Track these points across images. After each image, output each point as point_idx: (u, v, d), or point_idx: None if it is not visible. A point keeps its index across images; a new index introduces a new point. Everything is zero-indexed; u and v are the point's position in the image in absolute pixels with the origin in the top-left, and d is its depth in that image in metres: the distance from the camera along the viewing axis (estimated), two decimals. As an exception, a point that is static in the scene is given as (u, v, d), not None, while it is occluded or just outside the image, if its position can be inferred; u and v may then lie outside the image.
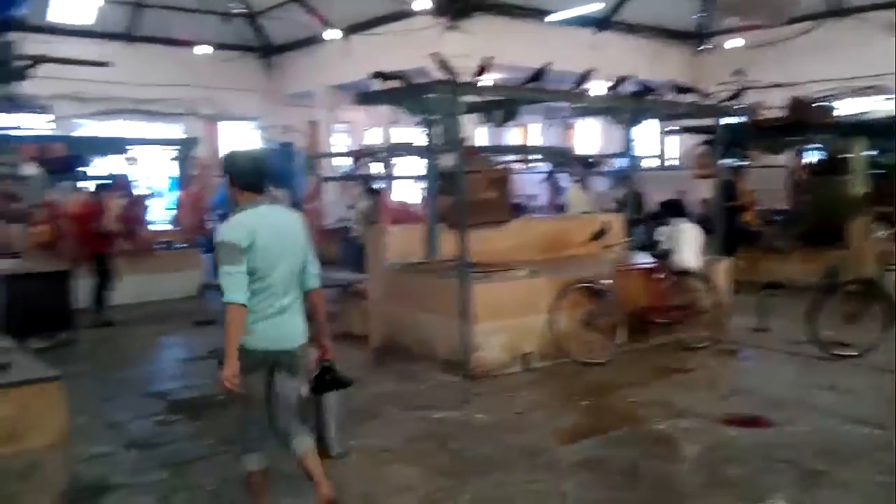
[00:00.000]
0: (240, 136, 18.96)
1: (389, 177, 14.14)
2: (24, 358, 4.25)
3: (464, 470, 4.59)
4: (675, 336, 7.50)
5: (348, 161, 16.42)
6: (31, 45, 8.93)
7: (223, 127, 18.55)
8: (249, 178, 3.68)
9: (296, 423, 3.79)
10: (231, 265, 3.48)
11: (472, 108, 7.88)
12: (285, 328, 3.66)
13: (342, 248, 12.53)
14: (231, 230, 3.56)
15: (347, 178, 15.55)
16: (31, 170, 10.53)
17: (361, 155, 15.48)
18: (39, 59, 5.20)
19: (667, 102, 9.20)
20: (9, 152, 10.01)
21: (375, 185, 11.79)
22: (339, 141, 19.27)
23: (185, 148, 12.77)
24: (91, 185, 11.44)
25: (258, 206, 3.64)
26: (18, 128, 10.30)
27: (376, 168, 14.45)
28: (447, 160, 7.91)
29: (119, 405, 6.01)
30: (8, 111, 9.49)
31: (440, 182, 7.93)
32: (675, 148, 18.30)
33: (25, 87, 9.76)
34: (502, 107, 8.33)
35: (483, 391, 6.24)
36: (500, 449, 4.92)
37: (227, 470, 4.48)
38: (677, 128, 13.86)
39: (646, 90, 8.57)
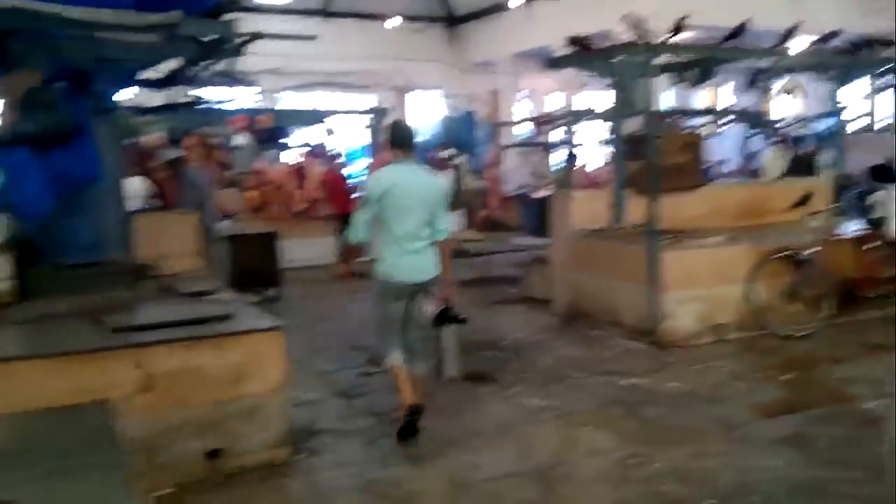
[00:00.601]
0: (426, 106, 19.48)
1: (571, 143, 13.98)
2: (247, 309, 4.69)
3: (657, 438, 4.53)
4: (886, 311, 6.89)
5: (529, 128, 16.40)
6: (240, 23, 9.68)
7: (411, 97, 19.15)
8: (398, 141, 4.65)
9: (419, 350, 4.75)
10: (361, 210, 4.58)
11: (664, 69, 7.58)
12: (417, 265, 4.57)
13: (523, 214, 12.62)
14: (370, 183, 4.73)
15: (528, 145, 15.57)
16: (241, 140, 11.47)
17: (543, 121, 15.41)
18: (255, 36, 5.61)
19: (884, 59, 8.34)
20: (223, 123, 10.96)
21: (572, 151, 11.61)
22: (521, 108, 19.27)
23: (377, 118, 13.33)
24: (293, 154, 12.33)
25: (401, 165, 4.59)
26: (231, 101, 11.23)
27: (558, 135, 14.32)
28: (634, 124, 7.70)
29: (324, 357, 6.47)
30: (224, 85, 10.36)
31: (628, 146, 7.74)
32: (887, 108, 16.57)
33: (236, 63, 10.46)
34: (697, 67, 7.94)
35: (673, 360, 6.09)
36: (695, 419, 4.80)
37: (424, 424, 4.72)
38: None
39: (858, 45, 7.83)
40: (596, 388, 5.50)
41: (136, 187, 7.37)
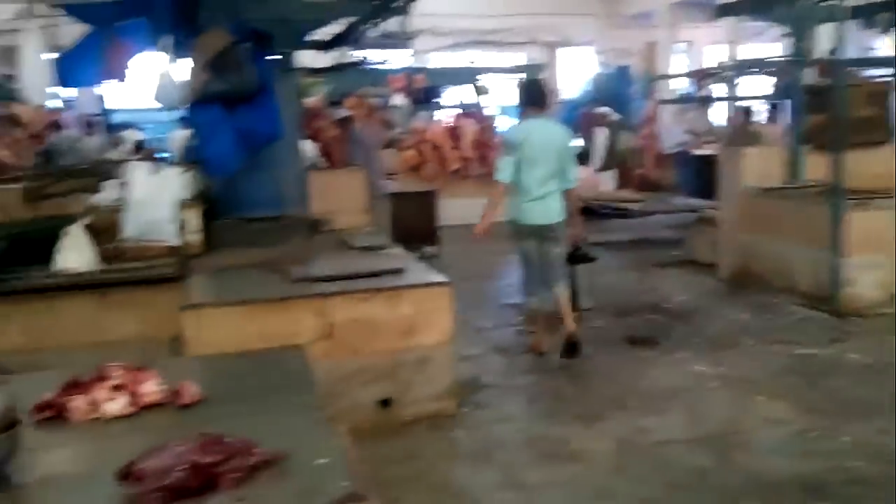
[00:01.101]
0: (578, 62, 19.02)
1: (733, 97, 13.18)
2: (416, 264, 4.80)
3: (840, 411, 4.25)
4: None
5: (687, 83, 15.61)
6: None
7: (563, 53, 18.75)
8: (530, 99, 5.30)
9: (557, 277, 5.32)
10: (506, 155, 5.19)
11: (855, 13, 6.94)
12: (546, 209, 5.16)
13: (680, 174, 12.09)
14: (510, 132, 5.49)
15: (687, 100, 14.85)
16: (398, 100, 11.68)
17: (704, 75, 14.62)
18: (421, -7, 5.68)
19: None
20: (383, 84, 11.20)
21: (747, 106, 10.93)
22: (678, 62, 18.38)
23: (530, 75, 13.15)
24: (447, 114, 12.41)
25: (534, 119, 5.20)
26: (387, 62, 11.46)
27: (718, 89, 13.52)
28: (811, 75, 7.14)
29: (482, 313, 6.54)
30: (384, 46, 10.59)
31: (806, 99, 7.19)
32: None
33: (393, 24, 10.61)
34: (890, 10, 7.21)
35: (855, 330, 5.67)
36: (883, 394, 4.45)
37: (578, 383, 4.67)
38: None
39: None
40: (769, 356, 5.23)
41: (305, 146, 7.68)
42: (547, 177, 5.10)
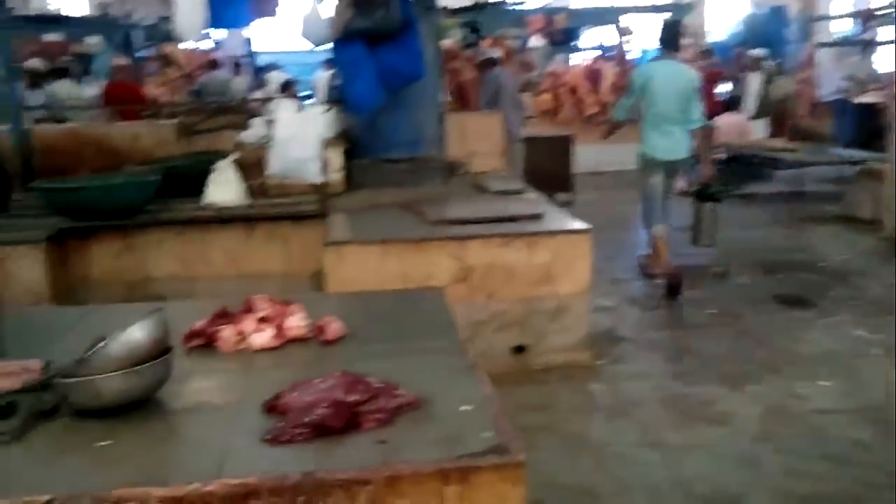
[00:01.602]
0: (730, 1, 17.79)
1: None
2: (554, 210, 4.64)
3: None
4: None
5: (849, 24, 14.25)
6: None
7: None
8: (664, 38, 5.66)
9: (670, 213, 5.70)
10: (624, 97, 5.89)
11: None
12: (671, 146, 5.50)
13: (838, 123, 11.12)
14: (635, 73, 5.85)
15: (849, 43, 13.58)
16: (537, 41, 11.35)
17: (869, 15, 13.28)
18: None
19: None
20: (520, 25, 10.89)
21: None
22: (839, 1, 16.81)
23: (677, 14, 12.40)
24: (585, 56, 11.95)
25: (662, 60, 5.63)
26: (527, 1, 11.12)
27: (885, 32, 12.24)
28: None
29: (617, 264, 6.32)
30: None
31: None
32: None
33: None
34: None
35: None
36: None
37: (723, 343, 4.41)
38: None
39: None
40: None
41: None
42: (674, 114, 5.42)
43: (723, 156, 8.64)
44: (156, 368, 1.77)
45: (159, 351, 1.79)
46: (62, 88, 8.60)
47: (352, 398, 1.72)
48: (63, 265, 4.34)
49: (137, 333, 1.74)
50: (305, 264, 4.52)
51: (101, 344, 1.72)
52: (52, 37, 10.52)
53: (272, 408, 1.75)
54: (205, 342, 2.20)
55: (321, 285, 3.98)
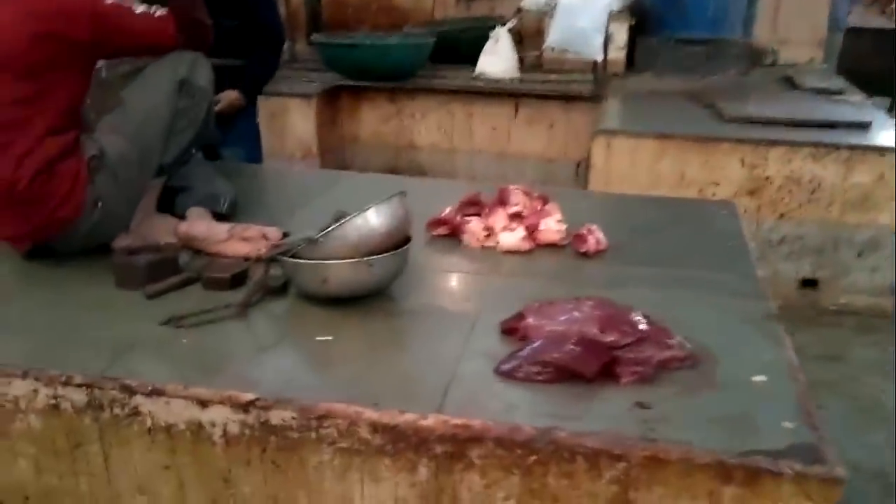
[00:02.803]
0: None
1: None
2: (884, 120, 3.75)
3: None
4: None
5: None
6: None
7: None
8: None
9: None
10: None
11: None
12: None
13: None
14: None
15: None
16: None
17: None
18: None
19: None
20: None
21: None
22: None
23: None
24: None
25: None
26: None
27: None
28: None
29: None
30: None
31: None
32: None
33: None
34: None
35: None
36: None
37: None
38: None
39: None
40: None
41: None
42: None
43: None
44: (389, 261, 1.54)
45: (396, 241, 1.56)
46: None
47: (610, 338, 1.36)
48: (332, 123, 4.37)
49: (373, 219, 1.51)
50: (570, 151, 4.14)
51: (337, 224, 1.51)
52: None
53: (511, 330, 1.45)
54: (449, 231, 1.95)
55: (585, 178, 3.58)
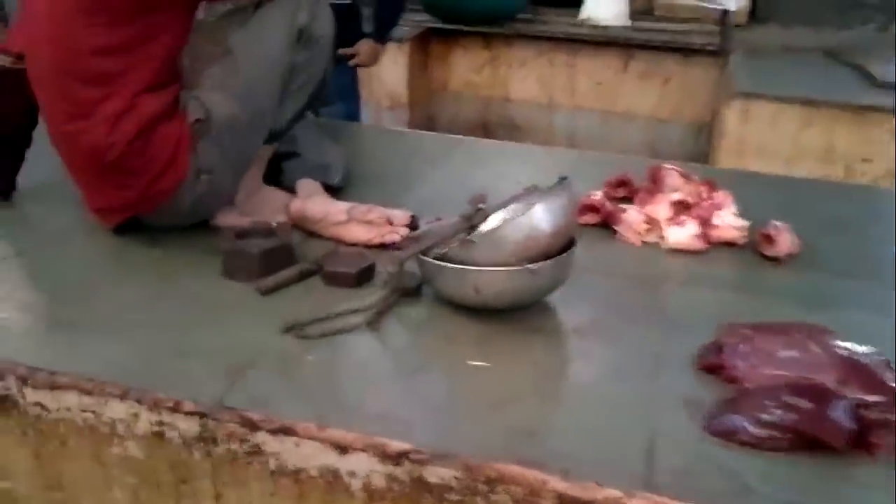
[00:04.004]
0: None
1: None
2: None
3: None
4: None
5: None
6: None
7: None
8: None
9: None
10: None
11: None
12: None
13: None
14: None
15: None
16: None
17: None
18: None
19: None
20: None
21: None
22: None
23: None
24: None
25: None
26: None
27: None
28: None
29: None
30: None
31: None
32: None
33: None
34: None
35: None
36: None
37: None
38: None
39: None
40: None
41: None
42: None
43: None
44: (555, 268, 1.25)
45: (562, 242, 1.27)
46: None
47: (855, 394, 1.06)
48: (424, 69, 4.05)
49: (540, 218, 1.22)
50: (685, 112, 3.76)
51: (494, 223, 1.23)
52: None
53: (712, 367, 1.16)
54: (601, 221, 1.65)
55: (706, 145, 3.21)
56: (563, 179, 1.32)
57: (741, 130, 2.93)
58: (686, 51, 3.69)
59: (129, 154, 1.37)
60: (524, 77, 4.04)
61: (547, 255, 1.24)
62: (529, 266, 1.21)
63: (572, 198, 1.29)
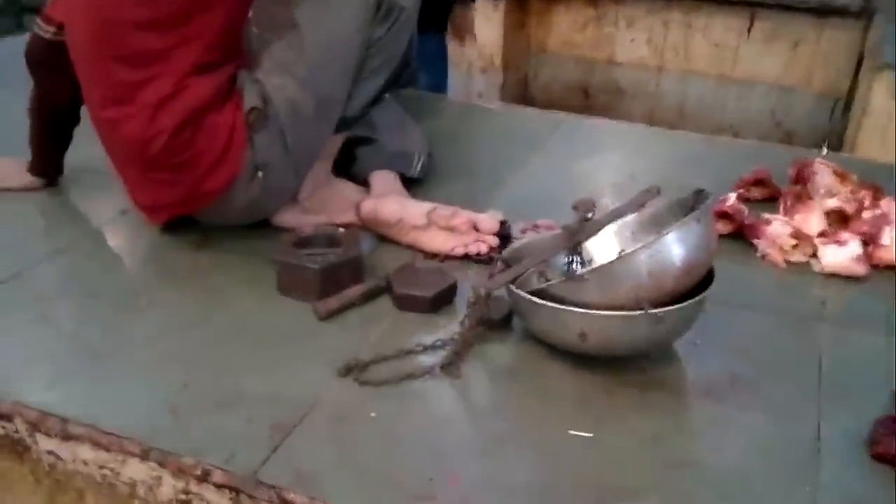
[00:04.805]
0: None
1: None
2: None
3: None
4: None
5: None
6: None
7: None
8: None
9: None
10: None
11: None
12: None
13: None
14: None
15: None
16: None
17: None
18: None
19: None
20: None
21: None
22: None
23: None
24: None
25: None
26: None
27: None
28: None
29: None
30: None
31: None
32: None
33: None
34: None
35: None
36: None
37: None
38: None
39: None
40: None
41: None
42: None
43: None
44: (686, 312, 0.98)
45: (694, 279, 0.99)
46: None
47: None
48: (521, 28, 3.73)
49: (671, 250, 0.95)
50: (816, 81, 3.31)
51: (607, 248, 0.97)
52: None
53: (885, 456, 0.87)
54: (734, 230, 1.35)
55: (839, 124, 2.80)
56: (699, 192, 1.05)
57: (890, 109, 2.51)
58: (821, 10, 3.23)
59: (175, 147, 1.17)
60: (632, 37, 3.66)
61: (674, 297, 0.97)
62: (653, 311, 0.94)
63: (711, 223, 1.00)
